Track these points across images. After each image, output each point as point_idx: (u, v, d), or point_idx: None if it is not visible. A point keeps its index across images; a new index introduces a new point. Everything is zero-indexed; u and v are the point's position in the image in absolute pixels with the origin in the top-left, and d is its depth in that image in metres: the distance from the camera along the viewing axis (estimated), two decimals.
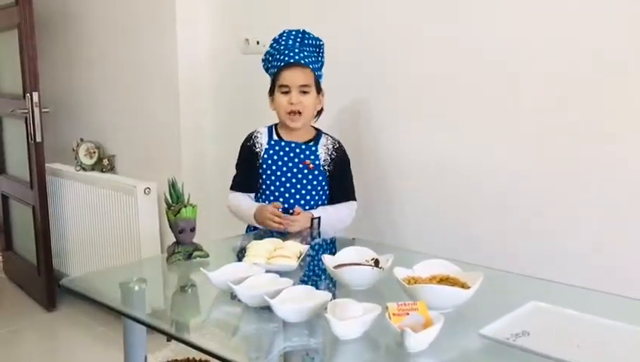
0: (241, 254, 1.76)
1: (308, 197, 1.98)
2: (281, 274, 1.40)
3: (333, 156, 2.01)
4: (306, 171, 1.97)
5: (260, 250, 1.56)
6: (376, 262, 1.46)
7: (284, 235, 1.83)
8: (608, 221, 1.72)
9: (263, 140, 2.01)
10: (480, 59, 1.93)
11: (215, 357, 1.13)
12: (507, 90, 1.88)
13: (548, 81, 1.79)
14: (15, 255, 3.60)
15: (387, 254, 1.46)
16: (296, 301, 1.22)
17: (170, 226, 1.67)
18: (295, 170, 1.97)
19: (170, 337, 1.31)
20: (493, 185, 1.94)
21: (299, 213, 1.90)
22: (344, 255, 1.50)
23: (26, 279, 3.45)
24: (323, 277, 1.56)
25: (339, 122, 2.29)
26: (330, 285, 1.48)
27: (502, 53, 1.88)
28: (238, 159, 2.07)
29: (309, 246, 1.68)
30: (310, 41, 2.00)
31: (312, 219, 1.93)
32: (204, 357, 2.10)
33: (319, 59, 2.01)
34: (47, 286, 3.16)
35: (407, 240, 2.15)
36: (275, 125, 2.05)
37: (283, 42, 1.97)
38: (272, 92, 1.99)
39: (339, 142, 2.06)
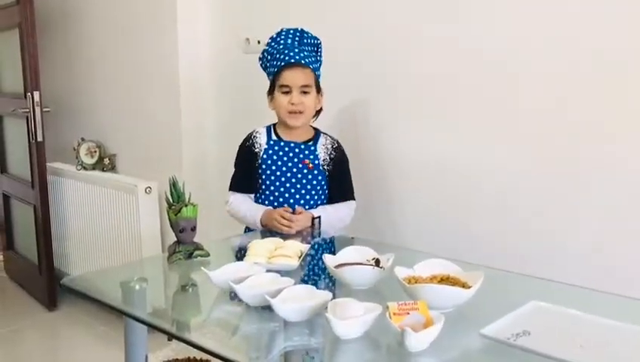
0: (239, 254, 1.76)
1: (307, 197, 1.98)
2: (282, 273, 1.40)
3: (332, 156, 2.01)
4: (305, 171, 1.97)
5: (261, 249, 1.56)
6: (377, 262, 1.46)
7: (284, 234, 1.83)
8: (608, 221, 1.72)
9: (262, 140, 2.01)
10: (480, 59, 1.93)
11: (216, 356, 1.14)
12: (507, 90, 1.88)
13: (548, 81, 1.79)
14: (16, 254, 3.61)
15: (388, 254, 1.46)
16: (296, 300, 1.22)
17: (171, 225, 1.67)
18: (295, 169, 1.97)
19: (170, 336, 1.31)
20: (493, 184, 1.94)
21: (300, 213, 1.90)
22: (345, 254, 1.50)
23: (27, 278, 3.46)
24: (323, 276, 1.56)
25: (339, 122, 2.29)
26: (331, 284, 1.48)
27: (502, 53, 1.88)
28: (236, 159, 2.06)
29: (309, 245, 1.68)
30: (309, 40, 2.00)
31: (313, 218, 1.93)
32: (205, 356, 2.10)
33: (318, 58, 2.02)
34: (48, 286, 3.17)
35: (407, 239, 2.15)
36: (274, 125, 2.04)
37: (282, 41, 1.97)
38: (270, 91, 1.99)
39: (337, 142, 2.06)
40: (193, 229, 1.66)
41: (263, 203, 1.99)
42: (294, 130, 1.99)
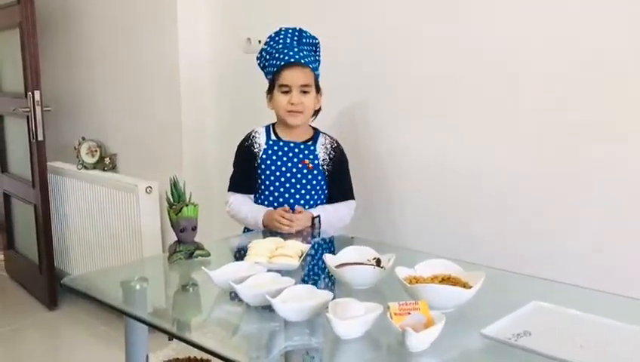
0: (238, 254, 1.76)
1: (307, 197, 1.98)
2: (283, 273, 1.40)
3: (331, 156, 2.01)
4: (305, 171, 1.97)
5: (262, 249, 1.56)
6: (378, 262, 1.46)
7: (285, 234, 1.83)
8: (608, 221, 1.72)
9: (261, 140, 2.01)
10: (480, 59, 1.93)
11: (216, 356, 1.14)
12: (507, 90, 1.88)
13: (547, 81, 1.79)
14: (17, 253, 3.61)
15: (388, 254, 1.46)
16: (297, 300, 1.22)
17: (172, 225, 1.67)
18: (294, 169, 1.97)
19: (171, 336, 1.31)
20: (493, 184, 1.94)
21: (300, 212, 1.90)
22: (345, 254, 1.50)
23: (27, 278, 3.46)
24: (324, 276, 1.56)
25: (339, 122, 2.29)
26: (331, 284, 1.48)
27: (502, 53, 1.87)
28: (235, 160, 2.06)
29: (310, 245, 1.68)
30: (307, 40, 2.00)
31: (313, 218, 1.93)
32: (206, 356, 2.11)
33: (317, 58, 2.02)
34: (49, 285, 3.17)
35: (407, 239, 2.15)
36: (273, 125, 2.04)
37: (281, 41, 1.96)
38: (269, 91, 1.99)
39: (337, 142, 2.06)
40: (194, 229, 1.66)
41: (262, 203, 1.99)
42: (293, 129, 1.99)
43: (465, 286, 1.28)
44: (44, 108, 3.11)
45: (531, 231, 1.87)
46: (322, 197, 2.02)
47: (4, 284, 3.63)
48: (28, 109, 3.08)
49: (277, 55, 1.94)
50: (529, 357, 1.06)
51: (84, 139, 3.28)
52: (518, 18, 1.84)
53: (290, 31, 1.98)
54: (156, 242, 2.89)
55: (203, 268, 1.44)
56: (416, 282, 1.31)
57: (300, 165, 1.97)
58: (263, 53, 2.00)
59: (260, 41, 2.48)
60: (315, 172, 1.98)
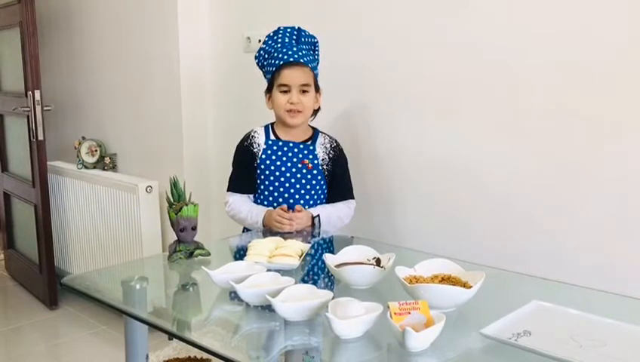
0: (238, 254, 1.76)
1: (307, 197, 1.98)
2: (282, 272, 1.40)
3: (331, 155, 2.01)
4: (304, 171, 1.97)
5: (262, 248, 1.56)
6: (378, 262, 1.46)
7: (285, 234, 1.83)
8: (609, 220, 1.71)
9: (260, 140, 2.00)
10: (480, 58, 1.92)
11: (216, 355, 1.14)
12: (507, 90, 1.88)
13: (548, 81, 1.79)
14: (17, 253, 3.61)
15: (388, 253, 1.46)
16: (297, 300, 1.22)
17: (172, 225, 1.67)
18: (294, 169, 1.97)
19: (171, 336, 1.31)
20: (493, 184, 1.94)
21: (300, 211, 1.90)
22: (345, 254, 1.50)
23: (27, 277, 3.46)
24: (324, 276, 1.56)
25: (339, 122, 2.29)
26: (331, 284, 1.48)
27: (502, 52, 1.87)
28: (234, 160, 2.06)
29: (310, 244, 1.67)
30: (306, 39, 2.00)
31: (313, 217, 1.92)
32: (206, 355, 2.10)
33: (315, 57, 2.02)
34: (49, 285, 3.17)
35: (407, 239, 2.14)
36: (272, 124, 2.04)
37: (279, 40, 1.96)
38: (268, 90, 1.99)
39: (336, 141, 2.06)
40: (194, 228, 1.66)
41: (262, 203, 1.99)
42: (293, 129, 1.99)
43: (465, 285, 1.28)
44: (45, 108, 3.11)
45: (531, 230, 1.86)
46: (322, 197, 2.01)
47: (4, 284, 3.63)
48: (28, 109, 3.08)
49: (276, 54, 1.94)
50: (529, 357, 1.06)
51: (84, 138, 3.28)
52: (518, 17, 1.84)
53: (289, 30, 1.98)
54: (156, 241, 2.89)
55: (203, 267, 1.44)
56: (416, 282, 1.31)
57: (299, 165, 1.97)
58: (262, 52, 1.99)
59: (259, 40, 2.48)
60: (315, 172, 1.98)
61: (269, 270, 1.42)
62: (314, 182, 1.98)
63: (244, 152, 2.02)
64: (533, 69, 1.81)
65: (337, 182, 2.02)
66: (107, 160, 3.22)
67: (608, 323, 1.18)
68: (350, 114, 2.30)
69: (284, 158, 1.97)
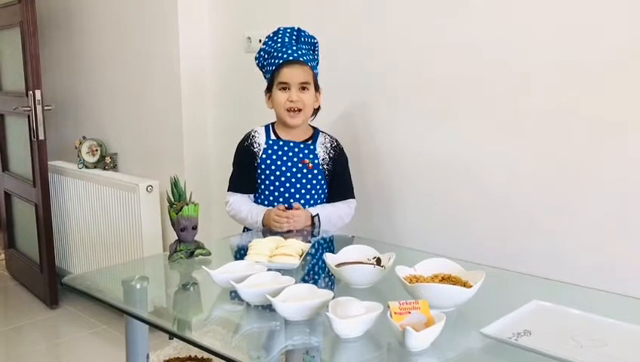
0: (239, 253, 1.76)
1: (307, 197, 1.98)
2: (283, 272, 1.40)
3: (331, 155, 2.01)
4: (305, 170, 1.97)
5: (262, 247, 1.56)
6: (378, 261, 1.46)
7: (285, 233, 1.83)
8: (609, 220, 1.71)
9: (260, 140, 2.00)
10: (480, 57, 1.92)
11: (217, 355, 1.14)
12: (507, 90, 1.88)
13: (548, 81, 1.79)
14: (18, 252, 3.61)
15: (389, 253, 1.46)
16: (297, 299, 1.22)
17: (172, 224, 1.67)
18: (294, 169, 1.97)
19: (172, 335, 1.31)
20: (493, 183, 1.94)
21: (298, 208, 1.90)
22: (346, 253, 1.50)
23: (28, 277, 3.46)
24: (324, 275, 1.56)
25: (339, 122, 2.29)
26: (332, 283, 1.48)
27: (503, 52, 1.87)
28: (235, 160, 2.06)
29: (310, 244, 1.68)
30: (306, 39, 2.00)
31: (313, 217, 1.92)
32: (206, 355, 2.10)
33: (315, 57, 2.02)
34: (50, 284, 3.17)
35: (407, 238, 2.14)
36: (272, 124, 2.04)
37: (279, 40, 1.97)
38: (268, 89, 1.99)
39: (336, 141, 2.06)
40: (194, 228, 1.67)
41: (262, 203, 1.99)
42: (293, 129, 1.99)
43: (465, 285, 1.28)
44: (45, 108, 3.11)
45: (531, 230, 1.86)
46: (322, 196, 2.02)
47: (4, 283, 3.63)
48: (29, 108, 3.08)
49: (275, 54, 1.94)
50: (529, 357, 1.06)
51: (84, 138, 3.28)
52: (519, 17, 1.83)
53: (289, 30, 1.98)
54: (157, 241, 2.89)
55: (203, 267, 1.44)
56: (417, 281, 1.31)
57: (299, 165, 1.97)
58: (262, 52, 2.00)
59: (260, 40, 2.48)
60: (315, 171, 1.98)
61: (269, 269, 1.42)
62: (314, 181, 1.98)
63: (244, 152, 2.02)
64: (533, 69, 1.81)
65: (338, 182, 2.02)
66: (108, 159, 3.22)
67: (609, 323, 1.18)
68: (350, 114, 2.30)
69: (285, 158, 1.97)
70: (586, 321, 1.19)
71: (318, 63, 2.02)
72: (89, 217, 3.17)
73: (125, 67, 3.10)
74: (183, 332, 1.32)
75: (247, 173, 2.00)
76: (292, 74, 1.92)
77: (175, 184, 1.69)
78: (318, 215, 1.93)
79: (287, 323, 1.21)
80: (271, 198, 1.98)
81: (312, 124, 2.07)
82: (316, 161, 1.98)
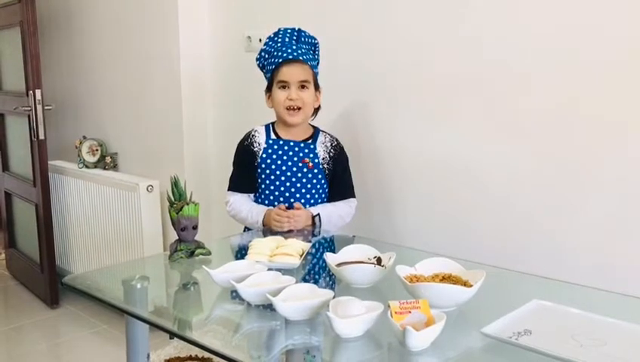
0: (239, 253, 1.76)
1: (308, 196, 1.98)
2: (283, 271, 1.40)
3: (332, 154, 2.01)
4: (305, 170, 1.97)
5: (263, 247, 1.56)
6: (379, 261, 1.46)
7: (285, 233, 1.83)
8: (609, 219, 1.71)
9: (260, 139, 2.00)
10: (480, 57, 1.92)
11: (217, 354, 1.14)
12: (507, 89, 1.88)
13: (549, 80, 1.79)
14: (18, 252, 3.61)
15: (389, 252, 1.46)
16: (298, 299, 1.22)
17: (173, 224, 1.67)
18: (295, 168, 1.97)
19: (172, 335, 1.31)
20: (493, 184, 1.94)
21: (299, 208, 1.90)
22: (346, 253, 1.50)
23: (28, 276, 3.46)
24: (325, 275, 1.56)
25: (339, 121, 2.29)
26: (332, 283, 1.48)
27: (503, 51, 1.87)
28: (235, 159, 2.06)
29: (310, 243, 1.68)
30: (306, 39, 2.00)
31: (313, 216, 1.93)
32: (207, 354, 2.11)
33: (315, 57, 2.02)
34: (50, 284, 3.17)
35: (408, 238, 2.15)
36: (272, 124, 2.04)
37: (279, 40, 1.97)
38: (268, 89, 1.99)
39: (337, 140, 2.06)
40: (195, 228, 1.67)
41: (262, 202, 1.99)
42: (293, 128, 1.99)
43: (465, 284, 1.28)
44: (45, 107, 3.11)
45: (531, 230, 1.86)
46: (323, 195, 2.02)
47: (5, 283, 3.63)
48: (29, 108, 3.08)
49: (275, 53, 1.95)
50: (530, 356, 1.06)
51: (85, 137, 3.28)
52: (518, 16, 1.83)
53: (289, 30, 1.99)
54: (157, 241, 2.89)
55: (204, 266, 1.44)
56: (417, 281, 1.31)
57: (300, 164, 1.97)
58: (262, 52, 2.00)
59: (260, 40, 2.49)
60: (316, 171, 1.98)
61: (269, 269, 1.42)
62: (315, 181, 1.98)
63: (244, 152, 2.02)
64: (533, 69, 1.81)
65: (338, 181, 2.02)
66: (108, 159, 3.22)
67: (609, 323, 1.18)
68: (350, 113, 2.30)
69: (285, 157, 1.97)
70: (586, 321, 1.19)
71: (318, 63, 2.02)
72: (89, 217, 3.17)
73: (125, 67, 3.10)
74: (183, 331, 1.32)
75: (247, 172, 2.00)
76: (291, 72, 1.92)
77: (175, 183, 1.69)
78: (319, 214, 1.93)
79: (288, 322, 1.21)
80: (271, 198, 1.98)
81: (312, 124, 2.07)
82: (316, 161, 1.98)
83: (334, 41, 2.23)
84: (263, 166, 1.97)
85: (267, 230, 1.89)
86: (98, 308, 3.04)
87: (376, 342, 1.16)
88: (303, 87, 1.94)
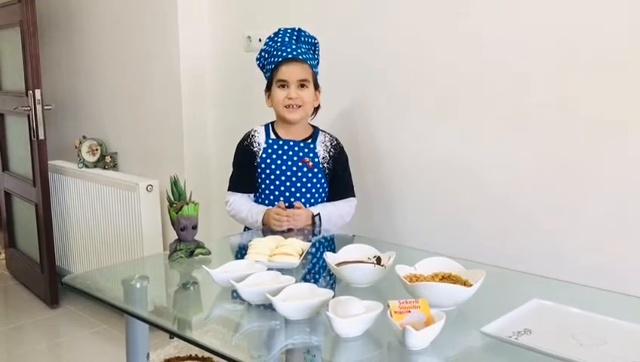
0: (239, 253, 1.76)
1: (308, 196, 1.98)
2: (283, 271, 1.40)
3: (331, 153, 2.01)
4: (305, 169, 1.97)
5: (262, 247, 1.56)
6: (378, 260, 1.46)
7: (285, 232, 1.83)
8: (609, 219, 1.71)
9: (260, 139, 2.00)
10: (481, 56, 1.92)
11: (217, 354, 1.14)
12: (508, 88, 1.88)
13: (549, 80, 1.79)
14: (18, 252, 3.61)
15: (389, 252, 1.46)
16: (297, 299, 1.22)
17: (172, 224, 1.67)
18: (295, 168, 1.97)
19: (172, 334, 1.31)
20: (493, 182, 1.94)
21: (299, 208, 1.90)
22: (346, 252, 1.50)
23: (28, 276, 3.46)
24: (324, 274, 1.56)
25: (338, 120, 2.29)
26: (332, 283, 1.48)
27: (504, 49, 1.87)
28: (235, 159, 2.06)
29: (310, 243, 1.68)
30: (306, 39, 2.00)
31: (313, 216, 1.93)
32: (207, 354, 2.11)
33: (315, 56, 2.02)
34: (50, 284, 3.17)
35: (408, 237, 2.14)
36: (272, 123, 2.04)
37: (279, 40, 1.97)
38: (268, 88, 1.99)
39: (336, 139, 2.06)
40: (194, 227, 1.67)
41: (262, 202, 1.99)
42: (293, 128, 1.99)
43: (465, 284, 1.28)
44: (45, 107, 3.11)
45: (531, 230, 1.86)
46: (323, 195, 2.02)
47: (5, 283, 3.63)
48: (29, 108, 3.08)
49: (275, 52, 1.95)
50: (530, 355, 1.06)
51: (84, 137, 3.28)
52: (520, 14, 1.83)
53: (289, 30, 1.99)
54: (157, 240, 2.89)
55: (203, 266, 1.44)
56: (417, 280, 1.31)
57: (299, 164, 1.97)
58: (262, 53, 2.00)
59: (260, 40, 2.49)
60: (316, 170, 1.98)
61: (269, 269, 1.42)
62: (315, 180, 1.98)
63: (244, 152, 2.02)
64: (534, 69, 1.81)
65: (338, 180, 2.02)
66: (108, 159, 3.22)
67: (609, 322, 1.18)
68: (350, 113, 2.30)
69: (285, 157, 1.97)
70: (586, 320, 1.19)
71: (318, 63, 2.02)
72: (89, 216, 3.17)
73: (125, 67, 3.10)
74: (183, 331, 1.32)
75: (247, 172, 2.00)
76: (291, 71, 1.92)
77: (175, 183, 1.69)
78: (319, 214, 1.93)
79: (288, 322, 1.21)
80: (271, 198, 1.98)
81: (312, 123, 2.07)
82: (316, 160, 1.98)
83: (334, 40, 2.23)
84: (263, 166, 1.97)
85: (267, 230, 1.89)
86: (98, 308, 3.04)
87: (376, 342, 1.16)
88: (302, 86, 1.94)
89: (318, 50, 2.04)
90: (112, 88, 3.22)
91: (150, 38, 2.92)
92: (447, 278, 1.32)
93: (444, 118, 2.04)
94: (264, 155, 1.98)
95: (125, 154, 3.22)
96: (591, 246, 1.74)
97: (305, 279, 1.48)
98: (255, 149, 1.99)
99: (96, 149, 3.24)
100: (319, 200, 2.00)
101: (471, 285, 1.26)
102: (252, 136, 2.02)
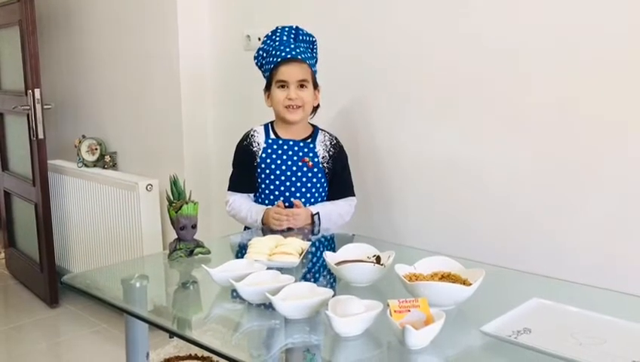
0: (239, 252, 1.76)
1: (307, 195, 1.98)
2: (283, 270, 1.40)
3: (331, 153, 2.01)
4: (305, 169, 1.97)
5: (262, 246, 1.56)
6: (378, 259, 1.46)
7: (285, 232, 1.83)
8: (609, 218, 1.71)
9: (260, 139, 2.00)
10: (482, 56, 1.92)
11: (217, 354, 1.14)
12: (508, 88, 1.88)
13: (550, 79, 1.79)
14: (18, 251, 3.61)
15: (388, 251, 1.46)
16: (297, 298, 1.22)
17: (172, 223, 1.67)
18: (294, 168, 1.97)
19: (172, 334, 1.31)
20: (493, 184, 1.94)
21: (299, 206, 1.90)
22: (345, 252, 1.50)
23: (28, 276, 3.46)
24: (324, 273, 1.56)
25: (338, 119, 2.29)
26: (332, 282, 1.48)
27: (505, 49, 1.87)
28: (234, 159, 2.06)
29: (310, 242, 1.68)
30: (304, 37, 2.00)
31: (313, 215, 1.93)
32: (206, 353, 2.11)
33: (314, 55, 2.02)
34: (50, 283, 3.17)
35: (407, 237, 2.14)
36: (272, 123, 2.04)
37: (277, 38, 1.97)
38: (267, 88, 1.99)
39: (336, 138, 2.06)
40: (194, 227, 1.66)
41: (262, 202, 1.99)
42: (292, 127, 1.99)
43: (465, 283, 1.28)
44: (45, 107, 3.11)
45: (531, 230, 1.86)
46: (322, 194, 2.02)
47: (4, 282, 3.63)
48: (28, 107, 3.08)
49: (273, 52, 1.94)
50: (529, 355, 1.06)
51: (84, 137, 3.28)
52: (521, 13, 1.83)
53: (287, 29, 1.99)
54: (156, 240, 2.89)
55: (203, 265, 1.44)
56: (416, 279, 1.31)
57: (299, 163, 1.97)
58: (260, 52, 2.00)
59: (259, 39, 2.48)
60: (315, 170, 1.98)
61: (269, 268, 1.42)
62: (314, 180, 1.98)
63: (243, 152, 2.02)
64: (534, 69, 1.81)
65: (338, 180, 2.02)
66: (107, 158, 3.22)
67: (608, 321, 1.18)
68: (350, 112, 2.30)
69: (285, 157, 1.97)
70: (585, 319, 1.19)
71: (316, 61, 2.02)
72: (89, 216, 3.17)
73: (125, 66, 3.10)
74: (182, 330, 1.32)
75: (246, 172, 2.00)
76: (290, 72, 1.92)
77: (174, 183, 1.69)
78: (318, 213, 1.93)
79: (287, 321, 1.21)
80: (271, 197, 1.98)
81: (311, 123, 2.07)
82: (316, 160, 1.98)
83: (333, 39, 2.23)
84: (263, 166, 1.97)
85: (267, 229, 1.89)
86: (98, 308, 3.04)
87: (376, 341, 1.16)
88: (302, 86, 1.94)
89: (317, 48, 2.04)
90: (112, 88, 3.22)
91: (150, 37, 2.92)
92: (446, 277, 1.32)
93: (444, 117, 2.04)
94: (264, 155, 1.98)
95: (125, 154, 3.22)
96: (591, 246, 1.74)
97: (304, 278, 1.48)
98: (255, 149, 1.99)
99: (96, 149, 3.24)
100: (319, 199, 2.00)
101: (470, 284, 1.26)
102: (251, 135, 2.02)
